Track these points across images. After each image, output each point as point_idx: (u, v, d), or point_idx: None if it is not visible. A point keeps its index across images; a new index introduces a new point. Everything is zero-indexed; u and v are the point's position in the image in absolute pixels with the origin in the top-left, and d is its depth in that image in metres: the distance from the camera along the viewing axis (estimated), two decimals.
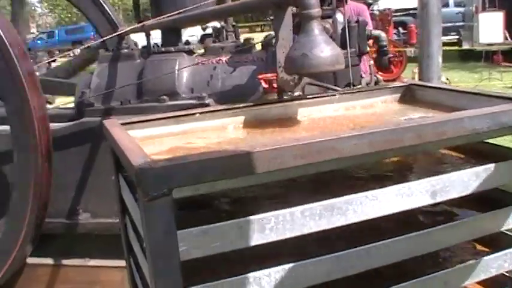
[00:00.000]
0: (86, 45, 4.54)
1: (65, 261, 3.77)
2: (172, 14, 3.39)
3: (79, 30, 36.27)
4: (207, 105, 3.31)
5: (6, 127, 3.31)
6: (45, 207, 3.30)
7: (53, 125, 3.45)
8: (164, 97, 3.41)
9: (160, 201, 1.37)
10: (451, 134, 1.63)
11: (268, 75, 3.08)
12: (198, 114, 2.07)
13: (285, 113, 2.17)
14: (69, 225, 3.72)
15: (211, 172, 1.39)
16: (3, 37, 2.99)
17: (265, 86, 3.08)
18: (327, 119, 2.13)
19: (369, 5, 10.51)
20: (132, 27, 3.75)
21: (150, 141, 1.89)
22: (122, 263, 3.51)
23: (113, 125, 1.87)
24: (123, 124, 1.92)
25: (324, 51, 1.99)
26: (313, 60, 1.98)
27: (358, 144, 1.51)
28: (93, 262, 3.74)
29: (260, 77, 3.11)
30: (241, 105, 2.15)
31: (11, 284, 3.67)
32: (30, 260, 3.68)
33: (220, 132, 2.06)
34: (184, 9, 3.40)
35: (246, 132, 2.06)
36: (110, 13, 4.25)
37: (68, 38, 35.38)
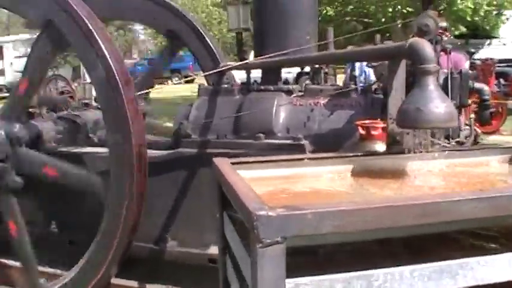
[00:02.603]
0: (190, 78, 4.64)
1: (148, 286, 3.83)
2: (276, 54, 3.45)
3: (178, 59, 37.14)
4: (303, 146, 3.31)
5: (105, 149, 3.43)
6: (135, 231, 3.36)
7: (150, 152, 3.53)
8: (260, 134, 3.44)
9: (273, 249, 1.37)
10: None
11: (366, 121, 3.06)
12: (306, 160, 2.08)
13: (393, 166, 2.15)
14: (155, 251, 3.78)
15: (328, 224, 1.39)
16: (112, 65, 3.09)
17: (363, 132, 3.06)
18: (437, 176, 2.09)
19: (470, 54, 10.25)
20: (235, 64, 3.82)
21: (257, 183, 1.90)
22: None
23: (224, 164, 1.90)
24: (233, 163, 1.94)
25: (439, 107, 1.97)
26: (427, 116, 1.96)
27: (479, 207, 1.47)
28: None
29: (358, 123, 3.09)
30: (350, 154, 2.15)
31: None
32: (115, 281, 3.75)
33: (328, 180, 2.05)
34: (287, 51, 3.46)
35: (355, 183, 2.05)
36: (213, 47, 4.37)
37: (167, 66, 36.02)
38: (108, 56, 3.10)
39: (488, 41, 22.86)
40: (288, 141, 3.38)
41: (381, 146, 2.85)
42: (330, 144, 3.32)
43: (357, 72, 9.59)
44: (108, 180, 3.23)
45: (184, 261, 3.72)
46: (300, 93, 3.70)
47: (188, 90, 25.37)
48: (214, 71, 3.82)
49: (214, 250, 3.59)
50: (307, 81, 3.95)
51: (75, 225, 3.90)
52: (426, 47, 2.08)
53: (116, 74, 3.09)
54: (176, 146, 3.73)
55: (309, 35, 3.75)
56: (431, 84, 2.02)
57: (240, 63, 3.74)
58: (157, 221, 3.76)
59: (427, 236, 1.77)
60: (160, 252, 3.77)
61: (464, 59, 6.37)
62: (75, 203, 3.92)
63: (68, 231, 3.98)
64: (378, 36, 3.35)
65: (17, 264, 3.81)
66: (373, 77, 10.19)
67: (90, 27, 3.08)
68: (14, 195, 3.51)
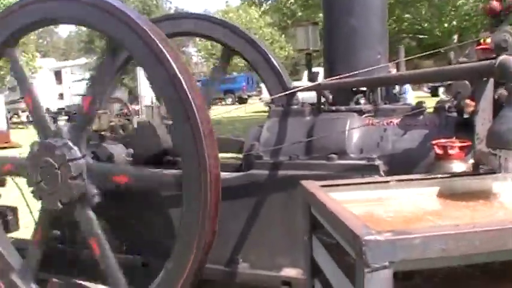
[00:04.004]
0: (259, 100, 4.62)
1: None
2: (347, 75, 3.44)
3: (231, 80, 37.37)
4: (377, 166, 3.27)
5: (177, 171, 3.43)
6: (207, 255, 3.36)
7: (221, 174, 3.54)
8: (333, 155, 3.43)
9: (380, 273, 1.36)
10: None
11: (443, 140, 3.01)
12: (392, 182, 2.06)
13: (483, 187, 2.10)
14: (227, 273, 3.78)
15: (436, 249, 1.36)
16: (185, 86, 3.09)
17: (439, 151, 3.01)
18: None
19: None
20: (306, 86, 3.82)
21: (349, 205, 1.88)
22: None
23: (315, 187, 1.90)
24: (322, 186, 1.94)
25: None
26: None
27: None
28: None
29: (434, 142, 3.04)
30: (436, 176, 2.11)
31: None
32: None
33: (416, 202, 2.02)
34: (359, 71, 3.45)
35: (444, 205, 2.01)
36: (279, 69, 4.38)
37: (220, 87, 36.59)
38: (180, 75, 3.10)
39: None
40: (362, 162, 3.35)
41: (458, 166, 2.80)
42: (404, 164, 3.28)
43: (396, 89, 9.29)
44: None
45: (256, 283, 3.71)
46: (372, 113, 3.68)
47: (242, 111, 25.72)
48: (284, 93, 3.83)
49: (287, 272, 3.59)
50: (362, 100, 3.91)
51: (148, 247, 3.94)
52: None
53: (189, 93, 3.08)
54: (247, 168, 3.75)
55: (380, 54, 3.75)
56: None
57: (312, 84, 3.74)
58: (229, 243, 3.77)
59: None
60: (232, 275, 3.77)
61: None
62: (148, 224, 3.98)
63: (141, 253, 4.02)
64: (451, 54, 3.31)
65: None
66: (409, 94, 9.91)
67: (162, 48, 3.11)
68: (93, 211, 3.53)
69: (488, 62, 2.22)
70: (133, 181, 3.42)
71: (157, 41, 3.11)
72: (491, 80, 2.28)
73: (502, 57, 2.11)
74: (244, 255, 3.77)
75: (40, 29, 4.20)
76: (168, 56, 3.10)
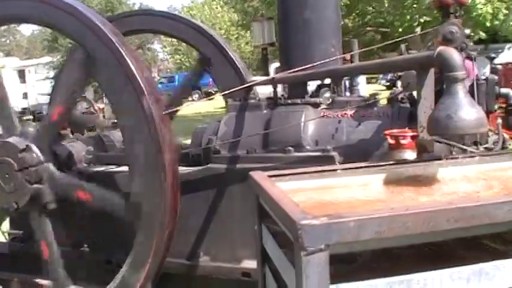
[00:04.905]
0: (212, 96, 4.66)
1: None
2: (302, 68, 3.50)
3: None
4: (332, 158, 3.34)
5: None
6: (168, 249, 3.40)
7: (180, 169, 3.57)
8: (289, 148, 3.48)
9: (316, 256, 1.42)
10: None
11: (395, 131, 3.08)
12: (339, 171, 2.12)
13: (425, 173, 2.18)
14: (188, 266, 3.82)
15: (369, 231, 1.43)
16: (140, 81, 3.13)
17: (392, 142, 3.08)
18: (469, 181, 2.12)
19: (491, 59, 10.22)
20: (262, 79, 3.88)
21: (295, 194, 1.94)
22: None
23: (262, 178, 1.95)
24: (269, 176, 1.99)
25: (469, 113, 2.01)
26: (458, 122, 2.00)
27: None
28: None
29: (386, 132, 3.11)
30: (381, 164, 2.18)
31: None
32: None
33: (361, 189, 2.09)
34: (312, 64, 3.51)
35: (388, 191, 2.08)
36: (237, 63, 4.42)
37: None
38: (137, 74, 3.14)
39: (508, 45, 22.76)
40: (317, 154, 3.41)
41: (410, 155, 2.88)
42: (358, 154, 3.34)
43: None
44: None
45: (217, 275, 3.76)
46: (327, 105, 3.75)
47: (210, 106, 25.61)
48: (241, 87, 3.87)
49: (247, 264, 3.64)
50: (328, 93, 3.99)
51: (112, 244, 3.95)
52: (454, 55, 2.12)
53: (146, 92, 3.12)
54: (206, 162, 3.79)
55: (334, 47, 3.80)
56: (461, 91, 2.06)
57: (267, 78, 3.80)
58: (189, 237, 3.80)
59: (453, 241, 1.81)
60: (193, 268, 3.81)
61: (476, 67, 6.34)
62: (112, 221, 3.99)
63: (105, 250, 4.03)
64: (403, 46, 3.39)
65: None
66: (361, 86, 10.08)
67: (119, 49, 3.14)
68: (48, 216, 3.56)
69: (428, 53, 2.30)
70: (94, 201, 3.47)
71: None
72: (432, 70, 2.36)
73: (440, 48, 2.19)
74: (205, 249, 3.81)
75: (2, 28, 4.18)
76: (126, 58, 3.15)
